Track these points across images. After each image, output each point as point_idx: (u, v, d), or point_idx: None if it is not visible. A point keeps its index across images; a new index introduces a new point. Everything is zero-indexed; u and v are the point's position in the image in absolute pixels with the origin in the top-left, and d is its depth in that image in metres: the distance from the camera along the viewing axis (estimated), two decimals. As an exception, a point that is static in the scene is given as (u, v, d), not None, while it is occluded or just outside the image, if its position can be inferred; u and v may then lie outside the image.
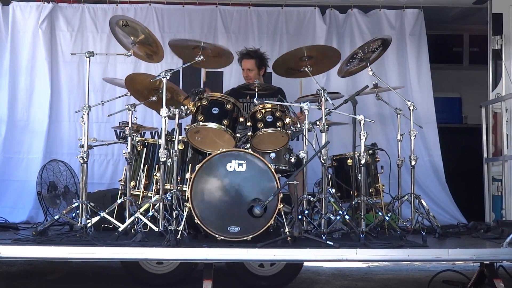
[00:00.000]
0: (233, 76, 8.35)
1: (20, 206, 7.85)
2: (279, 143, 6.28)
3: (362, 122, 6.09)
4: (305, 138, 6.06)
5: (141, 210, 5.90)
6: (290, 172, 6.36)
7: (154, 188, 6.31)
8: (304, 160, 6.03)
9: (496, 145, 8.06)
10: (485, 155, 8.09)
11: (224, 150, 5.84)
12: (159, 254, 5.45)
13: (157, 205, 5.81)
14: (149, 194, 6.35)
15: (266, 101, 6.25)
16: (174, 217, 5.80)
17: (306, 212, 6.04)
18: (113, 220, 6.04)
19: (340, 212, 6.06)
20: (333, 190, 6.40)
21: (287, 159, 6.42)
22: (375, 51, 6.61)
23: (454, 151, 8.69)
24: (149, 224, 5.83)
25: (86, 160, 6.01)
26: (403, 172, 7.02)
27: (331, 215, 6.04)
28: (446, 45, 10.31)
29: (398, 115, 6.93)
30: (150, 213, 5.85)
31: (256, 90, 6.30)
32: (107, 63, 8.36)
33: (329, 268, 7.85)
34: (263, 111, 6.23)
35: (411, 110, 6.77)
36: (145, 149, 6.52)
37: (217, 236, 5.64)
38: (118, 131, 7.96)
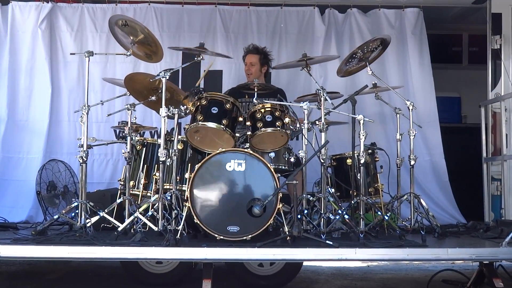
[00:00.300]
0: (232, 75, 8.35)
1: (20, 206, 7.85)
2: (279, 143, 6.27)
3: (361, 122, 6.09)
4: (305, 137, 6.06)
5: (141, 209, 5.90)
6: (290, 172, 6.36)
7: (153, 187, 6.31)
8: (304, 160, 6.04)
9: (496, 145, 8.07)
10: (484, 154, 8.09)
11: (223, 149, 5.85)
12: (159, 254, 5.45)
13: (157, 204, 5.81)
14: (148, 194, 6.34)
15: (265, 101, 6.26)
16: (174, 216, 5.80)
17: (306, 211, 6.04)
18: (112, 219, 6.04)
19: (340, 211, 6.06)
20: (333, 190, 6.40)
21: (286, 158, 6.42)
22: (374, 50, 6.61)
23: (453, 150, 8.68)
24: (149, 223, 5.83)
25: (85, 159, 6.01)
26: (403, 172, 7.03)
27: (331, 215, 6.04)
28: (445, 44, 10.32)
29: (398, 115, 6.94)
30: (150, 213, 5.85)
31: (256, 89, 6.30)
32: (107, 63, 8.36)
33: (329, 267, 7.85)
34: (262, 110, 6.23)
35: (410, 110, 6.78)
36: (144, 148, 6.52)
37: (216, 235, 5.64)
38: (117, 131, 7.95)
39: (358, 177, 6.24)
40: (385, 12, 8.61)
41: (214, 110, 6.13)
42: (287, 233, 5.60)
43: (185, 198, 5.77)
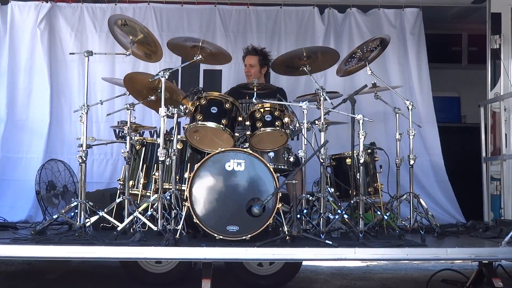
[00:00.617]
0: (231, 75, 8.35)
1: (19, 206, 7.85)
2: (278, 143, 6.27)
3: (360, 122, 6.10)
4: (304, 137, 6.06)
5: (140, 209, 5.90)
6: (289, 171, 6.37)
7: (153, 187, 6.30)
8: (303, 160, 6.04)
9: (495, 144, 8.07)
10: (483, 154, 8.09)
11: (223, 149, 5.85)
12: (158, 254, 5.45)
13: (156, 204, 5.81)
14: (147, 194, 6.34)
15: (264, 101, 6.26)
16: (173, 216, 5.81)
17: (305, 211, 6.04)
18: (112, 219, 6.04)
19: (339, 211, 6.06)
20: (332, 189, 6.40)
21: (286, 158, 6.42)
22: (374, 50, 6.61)
23: (452, 150, 8.68)
24: (148, 223, 5.83)
25: (84, 159, 6.01)
26: (402, 171, 7.03)
27: (330, 214, 6.04)
28: (444, 44, 10.31)
29: (397, 114, 6.94)
30: (149, 213, 5.84)
31: (255, 89, 6.30)
32: (106, 63, 8.35)
33: (328, 267, 7.85)
34: (262, 110, 6.23)
35: (409, 110, 6.78)
36: (144, 148, 6.52)
37: (215, 235, 5.64)
38: (117, 131, 7.95)
39: (358, 177, 6.24)
40: (385, 11, 8.61)
41: (214, 110, 6.13)
42: (286, 232, 5.60)
43: (185, 197, 5.77)
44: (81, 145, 6.02)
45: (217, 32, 8.51)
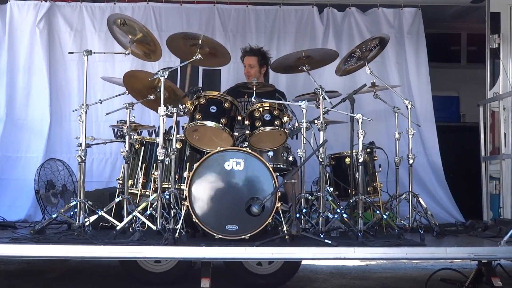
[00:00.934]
0: (230, 75, 8.35)
1: (18, 205, 7.84)
2: (277, 142, 6.27)
3: (360, 121, 6.11)
4: (303, 136, 6.06)
5: (139, 208, 5.90)
6: (288, 171, 6.37)
7: (152, 186, 6.31)
8: (302, 159, 6.04)
9: (494, 144, 8.06)
10: (482, 153, 8.09)
11: (222, 148, 5.85)
12: (157, 253, 5.45)
13: (155, 203, 5.81)
14: (147, 193, 6.34)
15: (263, 100, 6.26)
16: (172, 215, 5.80)
17: (304, 210, 6.04)
18: (111, 218, 6.04)
19: (338, 210, 6.06)
20: (331, 189, 6.39)
21: (285, 157, 6.43)
22: (373, 49, 6.61)
23: (452, 149, 8.69)
24: (147, 222, 5.83)
25: (84, 158, 6.01)
26: (402, 171, 7.03)
27: (329, 214, 6.04)
28: (444, 43, 10.31)
29: (396, 114, 6.94)
30: (148, 212, 5.84)
31: (254, 88, 6.30)
32: (105, 62, 8.35)
33: (327, 266, 7.85)
34: (261, 109, 6.23)
35: (409, 109, 6.78)
36: (143, 147, 6.52)
37: (215, 234, 5.64)
38: (115, 130, 7.95)
39: (357, 176, 6.24)
40: (384, 11, 8.61)
41: (213, 109, 6.13)
42: (285, 232, 5.60)
43: (184, 197, 5.77)
44: (80, 145, 6.02)
45: (216, 31, 8.50)
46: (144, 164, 6.46)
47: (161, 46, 6.36)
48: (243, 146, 6.20)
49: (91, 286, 6.95)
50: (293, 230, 5.52)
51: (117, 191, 6.48)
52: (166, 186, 6.14)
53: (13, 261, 7.69)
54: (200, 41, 6.24)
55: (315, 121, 6.19)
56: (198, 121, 6.09)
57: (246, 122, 6.25)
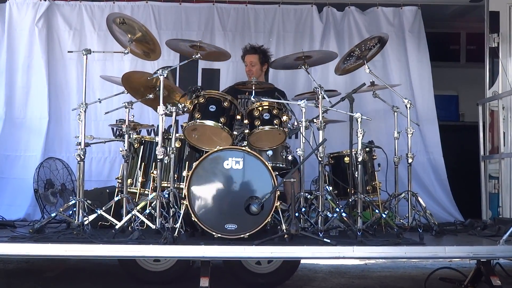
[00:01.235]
0: (229, 74, 8.35)
1: (17, 204, 7.84)
2: (276, 141, 6.27)
3: (359, 120, 6.10)
4: (302, 136, 6.06)
5: (138, 207, 5.90)
6: (287, 170, 6.37)
7: (151, 185, 6.31)
8: (301, 158, 6.04)
9: (493, 143, 8.07)
10: (482, 152, 8.08)
11: (221, 147, 5.85)
12: (156, 252, 5.45)
13: (154, 202, 5.81)
14: (146, 192, 6.34)
15: (262, 99, 6.26)
16: (171, 214, 5.79)
17: (303, 209, 6.04)
18: (110, 217, 6.04)
19: (337, 209, 6.06)
20: (330, 188, 6.39)
21: (284, 156, 6.42)
22: (372, 48, 6.61)
23: (451, 149, 8.68)
24: (146, 221, 5.83)
25: (83, 157, 6.01)
26: (401, 170, 7.03)
27: (328, 213, 6.04)
28: (443, 43, 10.30)
29: (395, 113, 6.94)
30: (147, 211, 5.85)
31: (254, 87, 6.30)
32: (105, 61, 8.34)
33: (326, 265, 7.85)
34: (260, 108, 6.23)
35: (408, 108, 6.78)
36: (142, 146, 6.53)
37: (214, 233, 5.64)
38: (114, 129, 7.94)
39: (356, 175, 6.24)
40: (383, 10, 8.62)
41: (212, 108, 6.13)
42: (284, 231, 5.60)
43: (183, 196, 5.77)
44: (80, 143, 6.02)
45: (216, 31, 8.50)
46: (143, 163, 6.46)
47: (160, 45, 6.35)
48: (242, 145, 6.20)
49: (90, 285, 6.95)
50: (292, 229, 5.52)
51: (116, 190, 6.48)
52: (165, 185, 6.13)
53: (12, 260, 7.68)
54: (199, 44, 6.24)
55: (314, 120, 6.19)
56: (197, 120, 6.09)
57: (245, 121, 6.25)
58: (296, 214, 5.79)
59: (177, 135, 6.24)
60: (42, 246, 5.41)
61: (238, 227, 5.64)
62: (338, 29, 8.60)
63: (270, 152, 6.33)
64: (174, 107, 6.03)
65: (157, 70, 6.00)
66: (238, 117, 6.24)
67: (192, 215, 5.67)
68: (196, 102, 6.17)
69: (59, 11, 8.41)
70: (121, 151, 6.34)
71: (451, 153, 8.62)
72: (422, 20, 8.61)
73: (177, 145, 6.19)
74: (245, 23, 8.57)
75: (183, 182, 6.09)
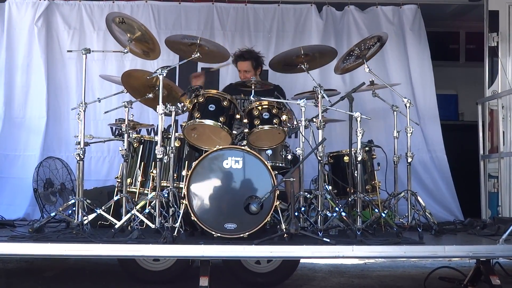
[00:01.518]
0: (229, 73, 8.33)
1: (17, 203, 7.85)
2: (276, 140, 6.27)
3: (358, 119, 6.10)
4: (302, 135, 6.06)
5: (138, 207, 5.91)
6: (287, 169, 6.37)
7: (150, 185, 6.31)
8: (301, 157, 6.04)
9: (492, 142, 8.07)
10: (481, 152, 8.09)
11: (220, 147, 5.85)
12: (156, 251, 5.45)
13: (154, 202, 5.80)
14: (145, 191, 6.34)
15: (262, 98, 6.26)
16: (171, 214, 5.79)
17: (303, 209, 6.04)
18: (109, 217, 6.04)
19: (337, 209, 6.06)
20: (330, 187, 6.39)
21: (283, 156, 6.43)
22: (372, 48, 6.61)
23: (450, 148, 8.68)
24: (146, 221, 5.83)
25: (82, 157, 6.01)
26: (401, 169, 7.03)
27: (328, 212, 6.05)
28: (442, 42, 10.31)
29: (395, 112, 6.94)
30: (147, 210, 5.84)
31: (253, 87, 6.29)
32: (104, 60, 8.35)
33: (326, 265, 7.85)
34: (259, 108, 6.23)
35: (407, 107, 6.77)
36: (141, 146, 6.53)
37: (213, 233, 5.64)
38: (114, 128, 7.94)
39: (355, 174, 6.24)
40: (383, 9, 8.63)
41: (212, 107, 6.13)
42: (284, 230, 5.60)
43: (182, 195, 5.77)
44: (79, 143, 6.02)
45: (215, 30, 8.51)
46: (142, 163, 6.46)
47: (160, 44, 6.35)
48: (242, 144, 6.20)
49: (89, 284, 6.95)
50: (291, 229, 5.52)
51: (116, 189, 6.48)
52: (165, 184, 6.13)
53: (12, 259, 7.68)
54: (198, 41, 6.23)
55: (314, 119, 6.19)
56: (197, 120, 6.09)
57: (245, 120, 6.25)
58: (296, 214, 5.80)
59: (176, 134, 6.24)
60: (41, 246, 5.41)
61: (238, 227, 5.64)
62: (337, 28, 8.61)
63: (269, 152, 6.32)
64: (173, 107, 6.03)
65: (157, 69, 5.99)
66: (238, 116, 6.24)
67: (192, 215, 5.67)
68: (195, 101, 6.16)
69: (59, 10, 8.41)
70: (120, 150, 6.34)
71: (450, 152, 8.62)
72: (422, 18, 8.61)
73: (176, 145, 6.19)
74: (245, 22, 8.58)
75: (182, 181, 6.09)
